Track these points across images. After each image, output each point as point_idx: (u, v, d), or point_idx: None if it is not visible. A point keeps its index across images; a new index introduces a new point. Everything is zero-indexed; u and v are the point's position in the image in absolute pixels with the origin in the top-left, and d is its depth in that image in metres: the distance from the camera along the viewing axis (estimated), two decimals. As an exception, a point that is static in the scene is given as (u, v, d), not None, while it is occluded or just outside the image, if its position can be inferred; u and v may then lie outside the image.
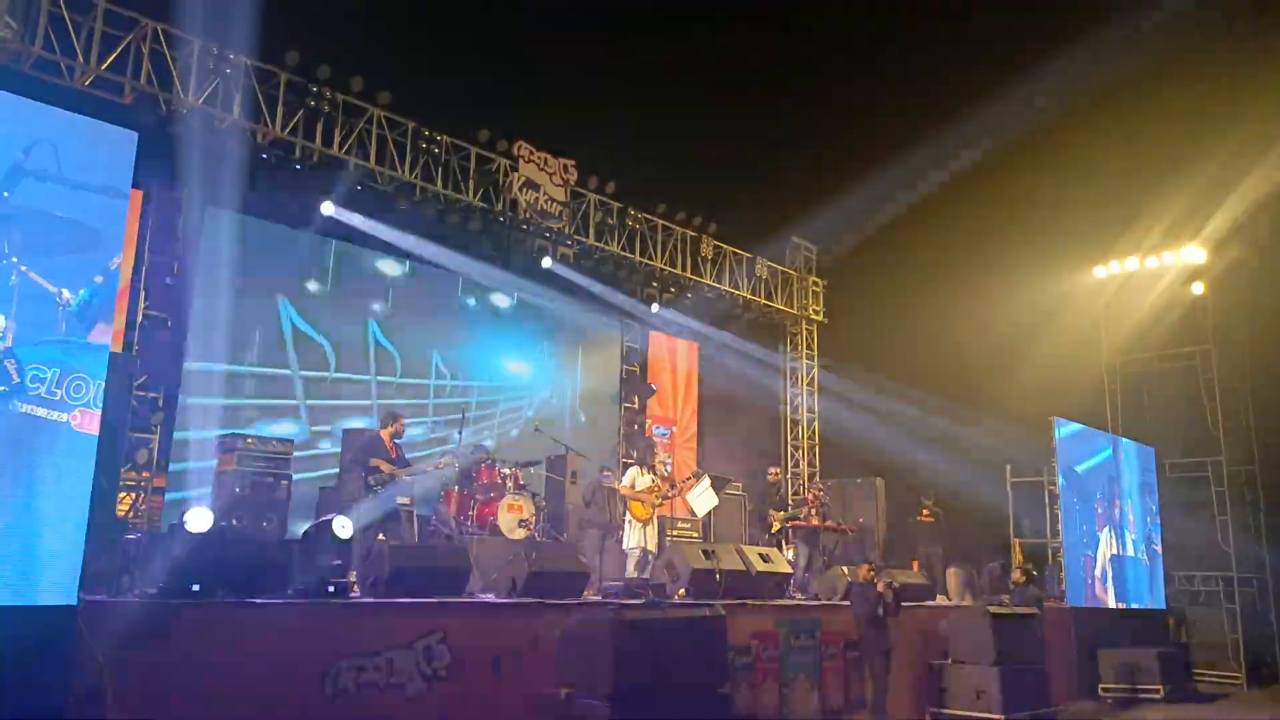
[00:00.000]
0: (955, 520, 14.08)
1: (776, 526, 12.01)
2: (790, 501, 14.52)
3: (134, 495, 9.21)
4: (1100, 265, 18.71)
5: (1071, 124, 16.74)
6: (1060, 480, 14.23)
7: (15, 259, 5.33)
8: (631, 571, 9.89)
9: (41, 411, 5.20)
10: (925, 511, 13.74)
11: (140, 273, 9.86)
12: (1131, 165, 16.58)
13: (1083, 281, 18.86)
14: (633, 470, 10.50)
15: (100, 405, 5.44)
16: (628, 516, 10.23)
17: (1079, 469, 14.85)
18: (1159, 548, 16.86)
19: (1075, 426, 15.11)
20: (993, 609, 10.51)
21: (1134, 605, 15.36)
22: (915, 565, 12.97)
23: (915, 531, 13.72)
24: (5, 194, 5.32)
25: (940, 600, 12.11)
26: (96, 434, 5.40)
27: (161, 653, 5.21)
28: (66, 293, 5.48)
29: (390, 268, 12.66)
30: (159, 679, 5.13)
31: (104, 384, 5.51)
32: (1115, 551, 15.29)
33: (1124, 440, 16.72)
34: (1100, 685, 12.98)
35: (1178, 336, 18.24)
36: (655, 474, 10.72)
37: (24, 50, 8.85)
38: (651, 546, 10.18)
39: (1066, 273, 18.69)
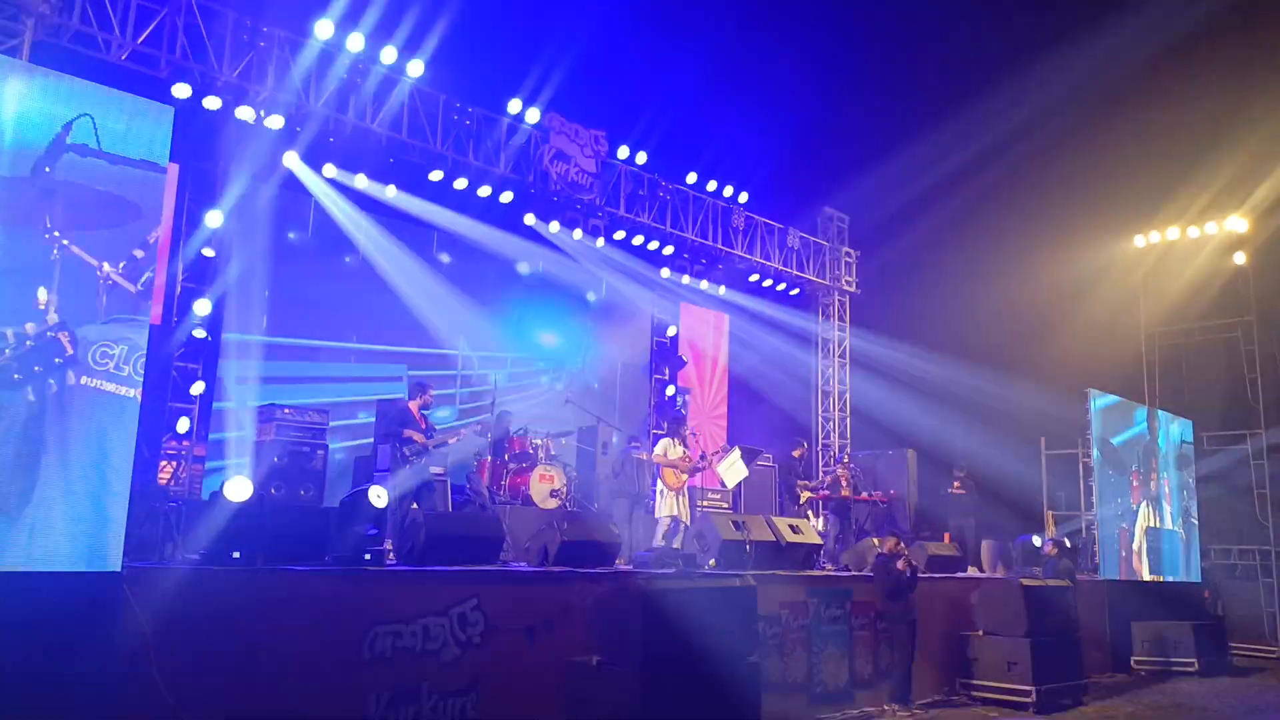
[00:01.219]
0: (988, 492, 14.00)
1: (805, 497, 12.07)
2: (822, 472, 14.55)
3: (175, 464, 9.39)
4: (1140, 234, 18.37)
5: (1115, 91, 16.39)
6: (1095, 453, 14.09)
7: (57, 233, 5.43)
8: (659, 540, 9.95)
9: (96, 383, 5.32)
10: (957, 483, 13.69)
11: (179, 245, 9.99)
12: (1176, 134, 16.19)
13: (1122, 250, 18.53)
14: (664, 440, 10.61)
15: (140, 376, 5.54)
16: (659, 485, 10.31)
17: (1115, 441, 14.68)
18: (1195, 521, 16.67)
19: (1112, 398, 14.92)
20: (1025, 581, 10.47)
21: (1169, 578, 15.22)
22: (947, 537, 12.94)
23: (947, 503, 13.68)
24: (47, 169, 5.41)
25: (972, 572, 12.08)
26: (138, 403, 5.51)
27: (204, 618, 5.34)
28: (107, 265, 5.58)
29: (420, 240, 12.70)
30: (201, 643, 5.27)
31: (143, 355, 5.60)
32: (1151, 524, 15.14)
33: (1161, 413, 16.50)
34: (1133, 658, 12.93)
35: (1218, 308, 17.89)
36: (686, 445, 10.76)
37: (62, 24, 8.94)
38: (684, 515, 10.24)
39: (1105, 242, 18.36)
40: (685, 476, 10.39)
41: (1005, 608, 10.11)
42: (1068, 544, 13.22)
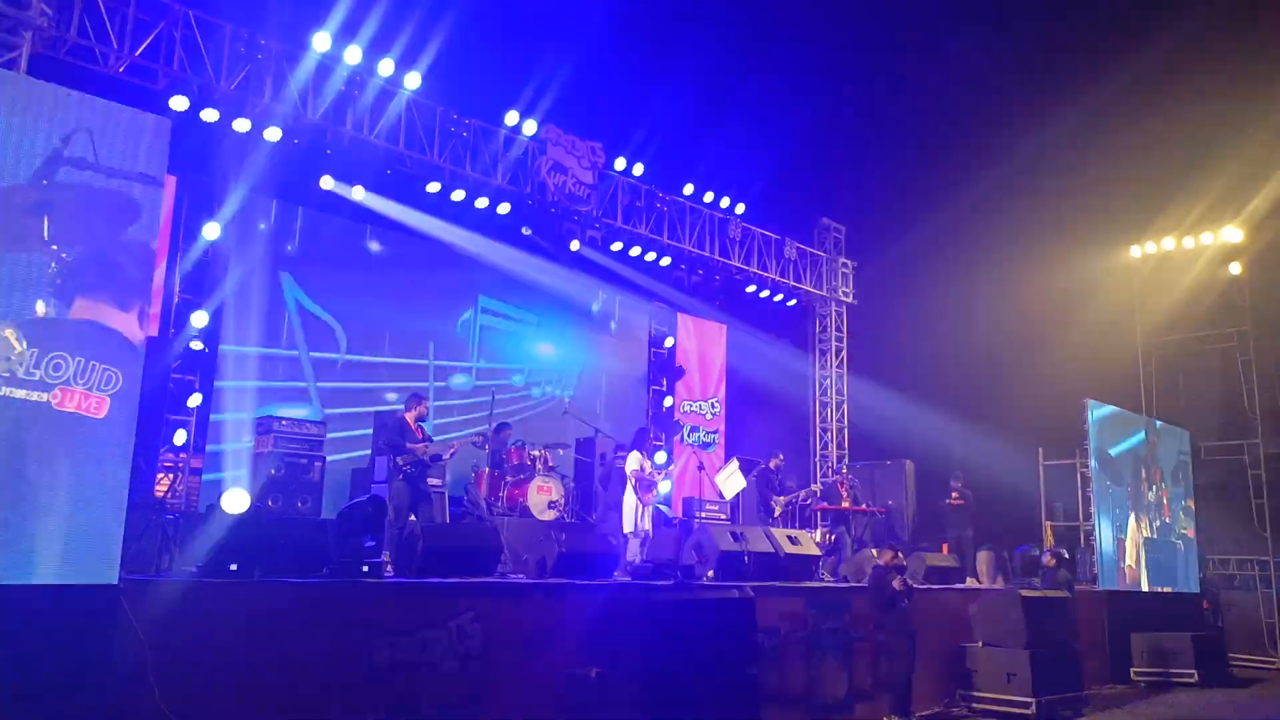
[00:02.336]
0: (986, 503, 13.99)
1: (778, 511, 12.06)
2: (819, 482, 14.53)
3: (172, 476, 9.37)
4: (1136, 244, 18.41)
5: (1110, 102, 16.44)
6: (1093, 463, 14.09)
7: (55, 246, 5.42)
8: (633, 555, 9.82)
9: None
10: (955, 494, 13.68)
11: (175, 258, 10.00)
12: (1171, 144, 16.25)
13: (1118, 261, 18.56)
14: (635, 454, 10.37)
15: (105, 386, 5.38)
16: (629, 499, 10.16)
17: (1113, 452, 14.68)
18: (1192, 532, 16.66)
19: (1109, 409, 14.93)
20: (1024, 592, 10.45)
21: (1167, 589, 15.20)
22: (945, 548, 12.94)
23: (945, 514, 13.66)
24: (44, 182, 5.40)
25: (970, 583, 12.06)
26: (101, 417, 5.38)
27: (202, 630, 5.31)
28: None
29: (419, 251, 12.68)
30: (199, 656, 5.24)
31: (119, 370, 5.48)
32: (1149, 535, 15.13)
33: (1158, 423, 16.51)
34: (1133, 669, 12.89)
35: (1214, 318, 17.93)
36: (651, 456, 10.69)
37: (59, 37, 8.97)
38: (647, 527, 10.17)
39: (1102, 251, 18.39)
40: (654, 491, 10.33)
41: (1004, 619, 10.09)
42: (1065, 555, 13.21)
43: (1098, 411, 14.51)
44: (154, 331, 8.83)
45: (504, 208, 12.59)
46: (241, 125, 10.12)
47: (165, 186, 6.17)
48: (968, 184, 16.82)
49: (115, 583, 5.09)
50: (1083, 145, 17.25)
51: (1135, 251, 18.43)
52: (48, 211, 5.41)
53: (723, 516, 12.79)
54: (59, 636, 4.77)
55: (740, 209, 15.33)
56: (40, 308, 5.28)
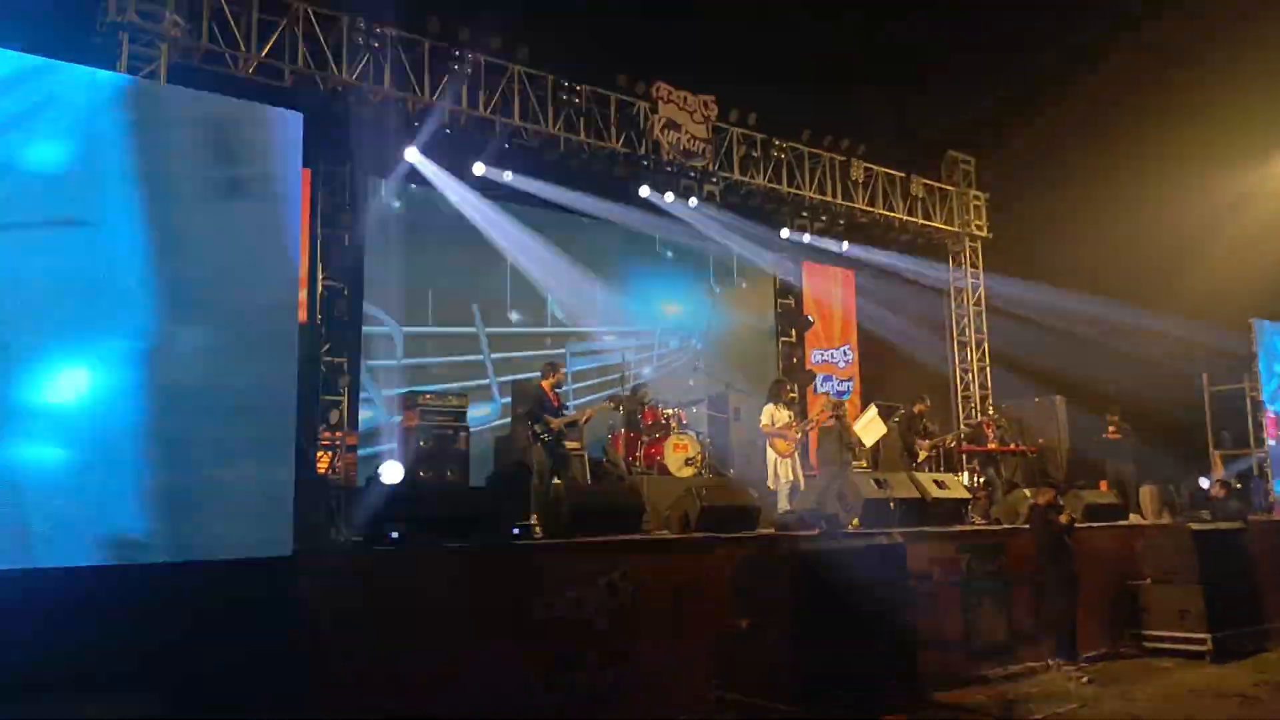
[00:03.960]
0: (1146, 436, 13.24)
1: (923, 455, 11.65)
2: (963, 425, 14.11)
3: (330, 454, 9.89)
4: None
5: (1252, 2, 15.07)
6: (1267, 386, 13.10)
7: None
8: (783, 506, 9.76)
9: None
10: (1112, 428, 12.98)
11: (316, 246, 10.47)
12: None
13: (1274, 169, 17.06)
14: (769, 407, 10.25)
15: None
16: (769, 454, 10.10)
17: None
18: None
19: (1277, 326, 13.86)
20: (1194, 525, 9.90)
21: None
22: (1104, 484, 12.33)
23: (1103, 449, 12.99)
24: (200, 181, 5.72)
25: (1134, 520, 11.49)
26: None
27: (369, 595, 5.61)
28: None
29: (543, 221, 12.86)
30: (369, 618, 5.54)
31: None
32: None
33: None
34: (1321, 601, 12.05)
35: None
36: (790, 407, 10.52)
37: (192, 46, 9.45)
38: (800, 480, 10.00)
39: (1256, 161, 16.93)
40: (794, 441, 10.15)
41: (1174, 554, 9.58)
42: (1236, 485, 12.43)
43: (1267, 330, 13.49)
44: (303, 318, 9.29)
45: (621, 170, 12.60)
46: (366, 112, 10.45)
47: (302, 178, 6.45)
48: (1101, 103, 15.77)
49: (290, 554, 5.41)
50: (1227, 50, 15.86)
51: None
52: (204, 209, 5.73)
53: (863, 464, 12.59)
54: (243, 605, 5.11)
55: (862, 149, 14.86)
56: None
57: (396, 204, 11.63)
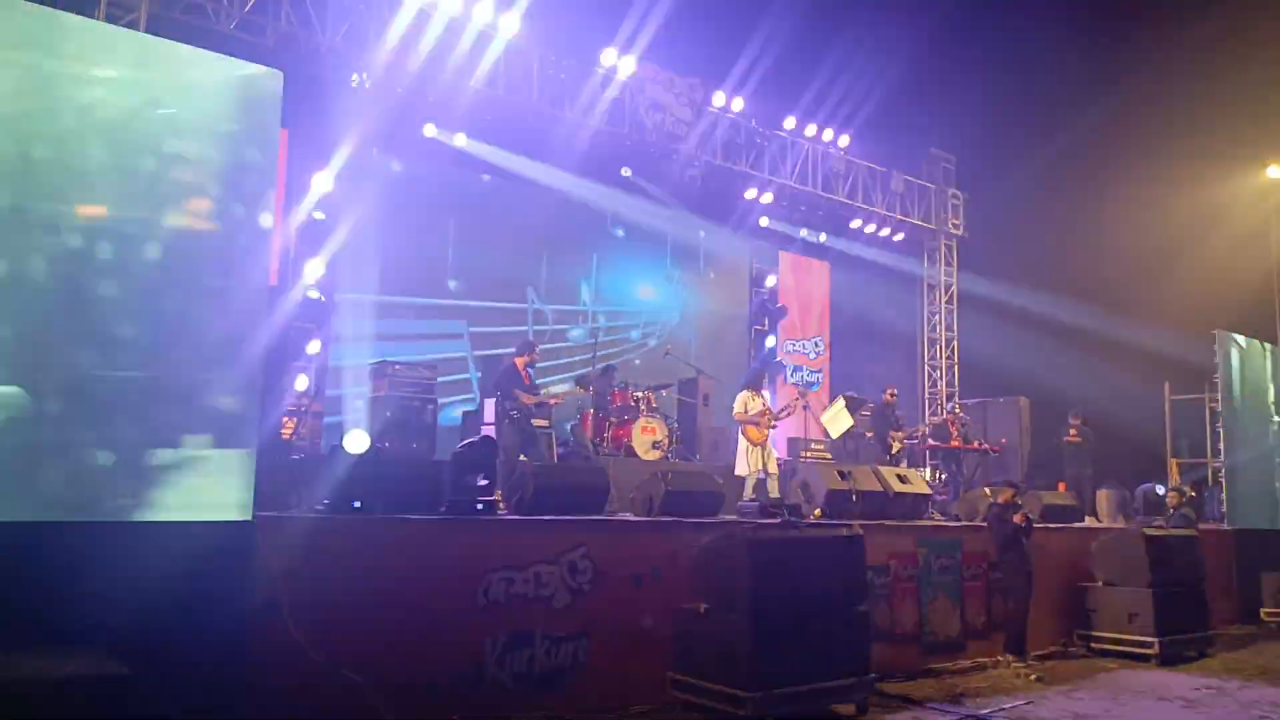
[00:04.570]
0: (1106, 440, 13.45)
1: (897, 448, 11.73)
2: (929, 421, 14.24)
3: (295, 420, 9.80)
4: (1274, 165, 17.11)
5: (1241, 12, 15.22)
6: (1234, 394, 13.31)
7: (180, 198, 5.64)
8: (749, 494, 9.79)
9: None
10: (1073, 431, 13.18)
11: (290, 209, 10.33)
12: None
13: (1251, 182, 17.31)
14: (743, 394, 10.20)
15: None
16: (741, 441, 10.10)
17: (1249, 385, 13.88)
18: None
19: (1240, 339, 14.09)
20: (1147, 530, 10.07)
21: (1303, 528, 14.40)
22: (1062, 486, 12.54)
23: (1063, 452, 13.20)
24: (168, 135, 5.61)
25: (1090, 522, 11.69)
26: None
27: (329, 563, 5.58)
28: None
29: (519, 196, 12.76)
30: (327, 586, 5.51)
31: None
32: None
33: (1297, 354, 15.49)
34: (1263, 609, 12.34)
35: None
36: (764, 397, 10.53)
37: (174, -2, 9.27)
38: (772, 469, 10.03)
39: (1232, 173, 17.19)
40: (767, 431, 10.13)
41: (1126, 557, 9.76)
42: (1190, 492, 12.66)
43: (1231, 343, 13.71)
44: (273, 281, 9.17)
45: (602, 148, 12.54)
46: (348, 76, 10.31)
47: (279, 140, 6.34)
48: (1085, 107, 15.90)
49: (250, 519, 5.37)
50: (1211, 60, 16.04)
51: (1273, 172, 17.14)
52: (172, 165, 5.63)
53: (828, 456, 12.69)
54: (201, 568, 5.07)
55: (844, 141, 14.89)
56: (170, 260, 5.52)
57: (373, 169, 11.48)
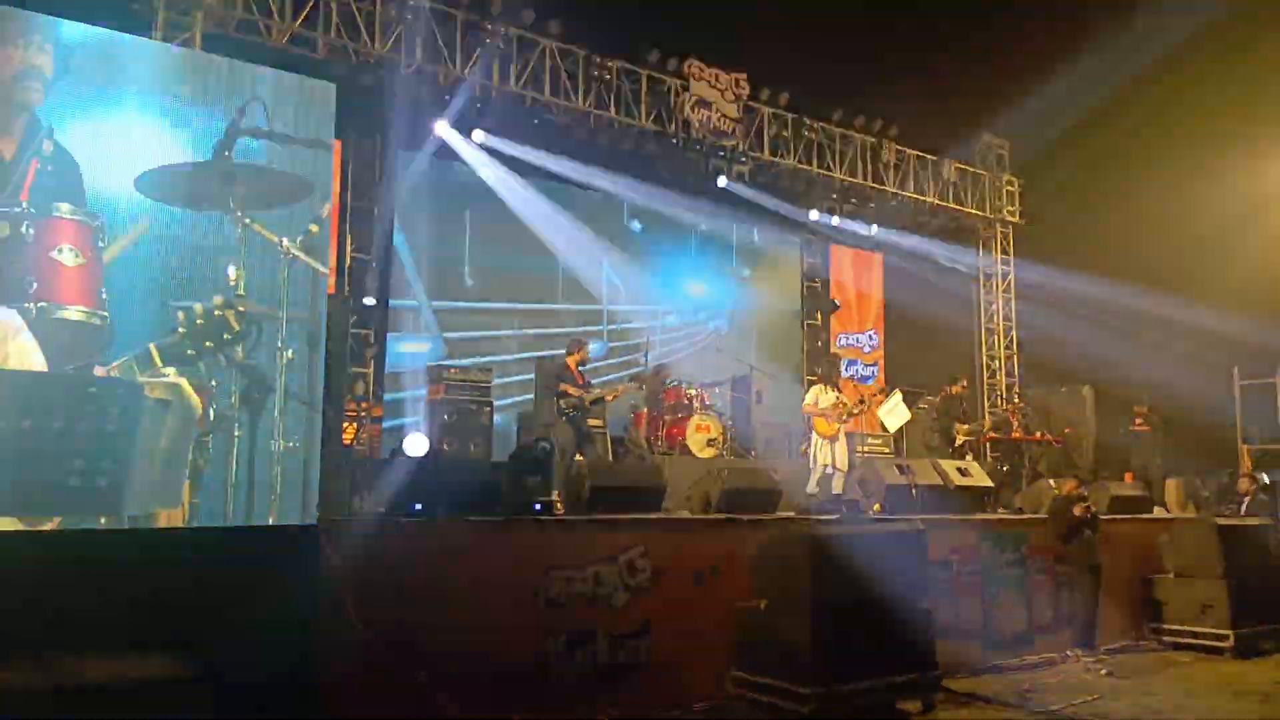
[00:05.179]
0: (1174, 428, 13.08)
1: (960, 440, 11.50)
2: (989, 413, 14.00)
3: (356, 425, 9.97)
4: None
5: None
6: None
7: (239, 213, 5.80)
8: (813, 488, 9.72)
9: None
10: (1140, 419, 12.86)
11: (345, 218, 10.51)
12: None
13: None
14: (815, 388, 10.18)
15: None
16: (813, 435, 10.02)
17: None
18: None
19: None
20: (1219, 520, 9.79)
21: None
22: (1129, 477, 12.23)
23: (1129, 441, 12.88)
24: (226, 153, 5.77)
25: (1159, 513, 11.39)
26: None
27: (392, 564, 5.67)
28: (286, 241, 5.92)
29: (570, 200, 12.81)
30: (390, 587, 5.61)
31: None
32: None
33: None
34: (1347, 601, 11.91)
35: None
36: (839, 390, 10.43)
37: (227, 15, 9.48)
38: (841, 464, 9.92)
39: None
40: (839, 424, 10.02)
41: (1198, 548, 9.49)
42: (1264, 480, 12.27)
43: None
44: (332, 289, 9.34)
45: (650, 148, 12.54)
46: (398, 85, 10.44)
47: (333, 150, 6.48)
48: (1142, 84, 15.45)
49: (315, 523, 5.49)
50: (1273, 29, 15.48)
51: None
52: (231, 182, 5.79)
53: (886, 450, 12.54)
54: (269, 571, 5.19)
55: (893, 131, 14.69)
56: (232, 272, 5.68)
57: (426, 178, 11.63)
